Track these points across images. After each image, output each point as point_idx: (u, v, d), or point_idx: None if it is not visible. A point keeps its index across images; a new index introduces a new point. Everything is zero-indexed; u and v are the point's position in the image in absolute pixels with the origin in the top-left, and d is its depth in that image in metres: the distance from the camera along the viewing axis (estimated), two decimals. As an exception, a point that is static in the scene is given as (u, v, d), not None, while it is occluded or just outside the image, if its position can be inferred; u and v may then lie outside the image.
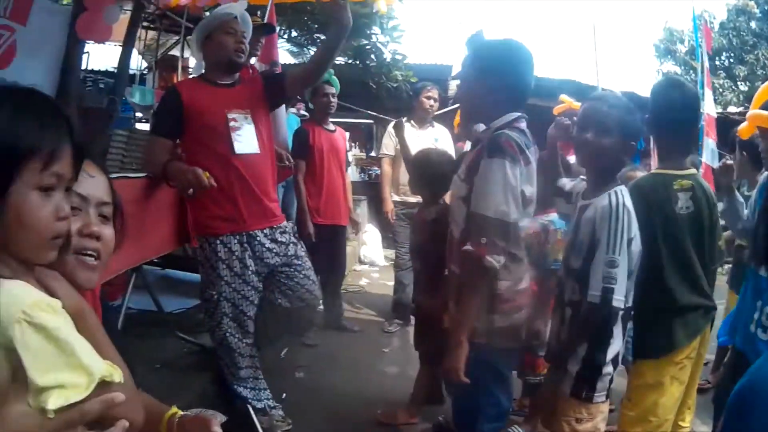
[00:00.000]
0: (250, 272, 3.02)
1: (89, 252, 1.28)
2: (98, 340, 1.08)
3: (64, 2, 4.95)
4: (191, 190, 2.82)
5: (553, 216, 3.02)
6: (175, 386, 3.31)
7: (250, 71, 3.68)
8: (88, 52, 7.02)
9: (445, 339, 2.26)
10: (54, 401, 0.90)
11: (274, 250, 3.11)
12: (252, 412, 1.34)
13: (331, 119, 5.01)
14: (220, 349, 3.11)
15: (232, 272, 2.99)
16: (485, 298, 2.17)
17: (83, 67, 6.15)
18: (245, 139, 3.00)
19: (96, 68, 8.07)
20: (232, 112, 3.00)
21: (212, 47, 3.05)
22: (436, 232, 2.93)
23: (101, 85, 6.50)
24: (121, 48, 4.34)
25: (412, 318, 4.30)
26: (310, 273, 3.26)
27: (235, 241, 3.00)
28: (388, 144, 5.30)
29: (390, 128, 5.30)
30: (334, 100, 4.86)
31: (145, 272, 3.95)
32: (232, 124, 2.97)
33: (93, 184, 1.31)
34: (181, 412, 1.41)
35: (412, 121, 5.26)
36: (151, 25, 7.41)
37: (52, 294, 1.04)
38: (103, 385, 0.97)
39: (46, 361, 0.92)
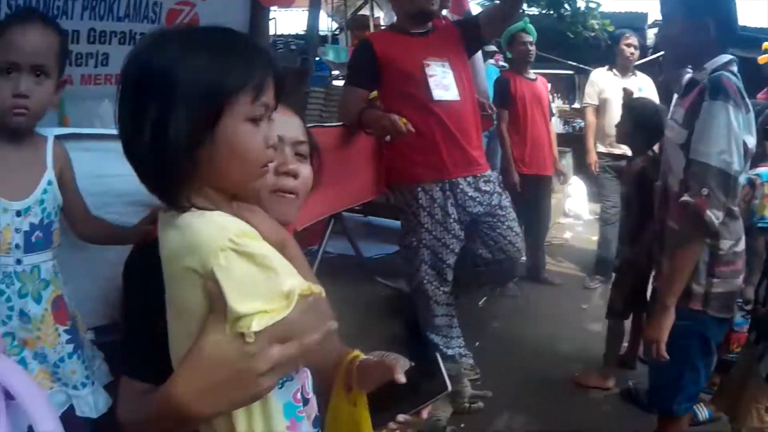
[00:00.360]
0: (451, 220, 3.00)
1: (287, 190, 1.31)
2: (301, 271, 1.05)
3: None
4: (388, 136, 2.82)
5: (762, 170, 2.74)
6: (367, 330, 3.38)
7: (443, 22, 3.65)
8: (274, 18, 7.73)
9: (645, 298, 2.11)
10: (256, 324, 0.90)
11: (477, 199, 3.05)
12: (440, 361, 1.27)
13: (531, 69, 4.84)
14: (416, 296, 3.14)
15: (433, 220, 2.99)
16: (703, 259, 1.98)
17: (271, 32, 6.47)
18: (444, 86, 2.95)
19: (285, 33, 8.46)
20: (428, 59, 2.95)
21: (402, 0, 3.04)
22: (643, 184, 2.78)
23: (292, 47, 6.78)
24: (307, 11, 4.46)
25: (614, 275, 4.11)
26: (513, 224, 3.17)
27: (437, 188, 2.98)
28: (591, 93, 5.01)
29: (592, 77, 5.07)
30: (533, 49, 4.69)
31: (344, 218, 4.06)
32: (428, 71, 2.92)
33: (286, 124, 1.33)
34: (363, 356, 1.36)
35: (614, 70, 4.94)
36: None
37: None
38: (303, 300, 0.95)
39: (248, 289, 0.91)
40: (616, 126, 3.48)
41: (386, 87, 3.01)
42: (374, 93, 2.73)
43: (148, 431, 1.08)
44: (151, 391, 1.02)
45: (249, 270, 0.92)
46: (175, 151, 0.94)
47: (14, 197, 1.68)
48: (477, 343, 3.49)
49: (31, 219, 1.70)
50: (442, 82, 2.95)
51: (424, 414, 1.25)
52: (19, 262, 1.69)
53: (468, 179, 3.04)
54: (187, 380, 0.93)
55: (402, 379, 1.19)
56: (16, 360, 1.71)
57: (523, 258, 4.04)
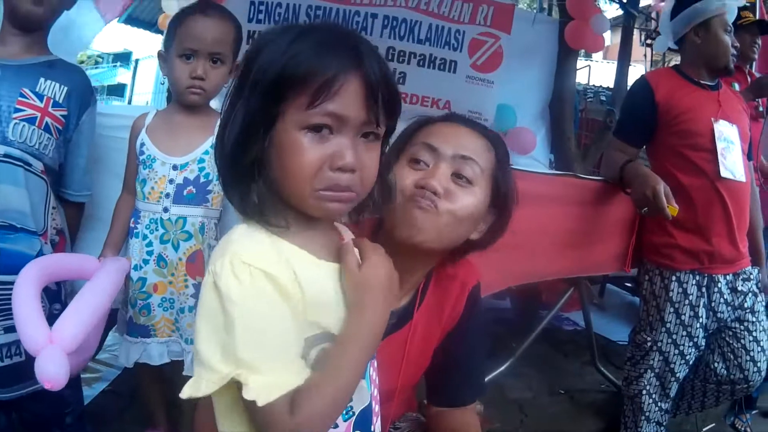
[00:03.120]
0: (698, 325, 2.44)
1: (423, 204, 1.21)
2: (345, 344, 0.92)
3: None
4: (646, 209, 2.30)
5: None
6: (567, 418, 3.01)
7: (748, 78, 3.07)
8: (588, 66, 8.12)
9: None
10: (188, 388, 0.85)
11: (731, 302, 2.47)
12: None
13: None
14: (628, 404, 2.62)
15: (678, 320, 2.45)
16: None
17: (585, 81, 6.83)
18: (731, 161, 2.39)
19: (598, 84, 8.45)
20: (719, 122, 2.41)
21: (708, 41, 2.49)
22: None
23: (602, 98, 6.84)
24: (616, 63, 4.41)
25: None
26: (762, 337, 2.51)
27: (693, 282, 2.43)
28: None
29: None
30: None
31: (583, 287, 3.56)
32: (718, 137, 2.38)
33: (452, 137, 1.27)
34: None
35: None
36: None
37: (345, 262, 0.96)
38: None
39: (211, 327, 0.84)
40: None
41: (661, 144, 2.51)
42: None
43: None
44: None
45: (213, 307, 0.84)
46: (230, 149, 0.88)
47: (175, 154, 1.90)
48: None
49: (187, 174, 1.90)
50: (730, 155, 2.39)
51: None
52: (166, 210, 1.89)
53: (728, 277, 2.46)
54: None
55: None
56: (141, 305, 1.92)
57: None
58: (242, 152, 0.88)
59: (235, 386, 0.83)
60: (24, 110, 1.70)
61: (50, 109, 1.75)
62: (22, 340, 1.44)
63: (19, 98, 1.70)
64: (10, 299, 1.61)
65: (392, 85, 0.93)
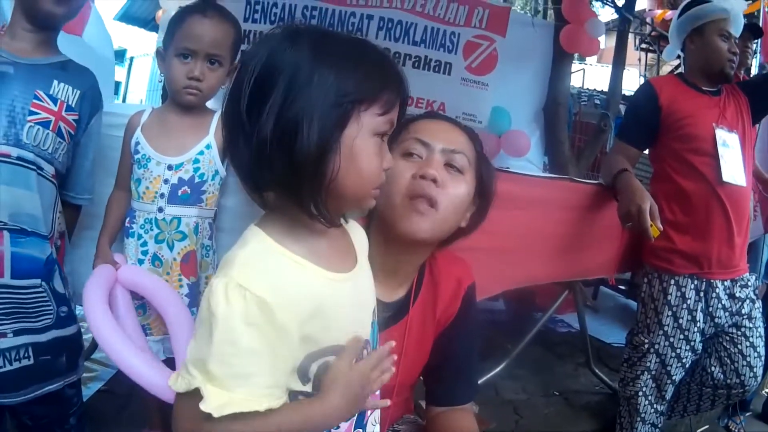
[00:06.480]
0: (695, 329, 2.46)
1: (422, 195, 1.25)
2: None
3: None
4: (629, 224, 2.29)
5: None
6: (562, 419, 3.01)
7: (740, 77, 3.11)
8: (583, 70, 8.12)
9: None
10: (170, 379, 0.94)
11: (728, 308, 2.49)
12: None
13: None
14: (624, 405, 2.65)
15: (675, 323, 2.47)
16: None
17: (580, 84, 6.37)
18: (732, 166, 2.41)
19: (592, 87, 8.32)
20: (720, 127, 2.44)
21: (701, 47, 2.55)
22: None
23: (596, 102, 6.75)
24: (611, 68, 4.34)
25: None
26: (758, 342, 2.53)
27: (692, 286, 2.46)
28: None
29: None
30: None
31: (578, 290, 3.62)
32: (720, 142, 2.40)
33: (439, 131, 1.34)
34: None
35: None
36: (650, 47, 7.20)
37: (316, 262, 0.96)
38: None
39: (200, 342, 0.88)
40: None
41: (665, 148, 2.54)
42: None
43: None
44: None
45: (203, 318, 0.88)
46: (306, 152, 0.86)
47: (170, 154, 1.89)
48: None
49: (182, 175, 1.89)
50: (731, 160, 2.41)
51: None
52: (160, 210, 1.89)
53: (726, 283, 2.48)
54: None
55: None
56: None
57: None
58: (323, 154, 0.88)
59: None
60: (38, 113, 1.64)
61: (64, 114, 1.70)
62: (151, 390, 1.54)
63: (34, 100, 1.64)
64: (19, 303, 1.64)
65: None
